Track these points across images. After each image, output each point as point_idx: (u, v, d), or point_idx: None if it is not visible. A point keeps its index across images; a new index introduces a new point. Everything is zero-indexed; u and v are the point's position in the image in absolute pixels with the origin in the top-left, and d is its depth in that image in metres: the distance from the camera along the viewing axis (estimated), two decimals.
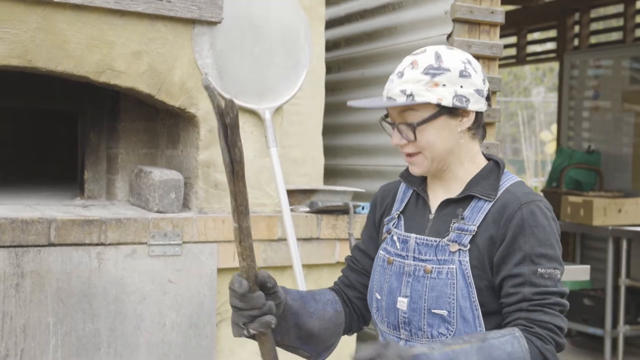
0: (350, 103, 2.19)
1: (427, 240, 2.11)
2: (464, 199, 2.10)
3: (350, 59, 5.09)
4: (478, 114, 2.09)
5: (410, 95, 2.04)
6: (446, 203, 2.13)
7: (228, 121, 1.83)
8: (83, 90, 4.05)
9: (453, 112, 2.05)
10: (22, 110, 5.24)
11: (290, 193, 4.00)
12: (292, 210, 3.91)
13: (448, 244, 2.06)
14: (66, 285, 3.40)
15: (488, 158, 2.17)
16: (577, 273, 5.09)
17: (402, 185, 2.28)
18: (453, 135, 2.07)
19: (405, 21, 4.58)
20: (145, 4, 3.53)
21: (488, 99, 2.11)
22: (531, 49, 10.45)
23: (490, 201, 2.05)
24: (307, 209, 4.01)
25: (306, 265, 3.91)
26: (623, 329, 6.80)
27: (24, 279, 3.33)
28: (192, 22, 3.71)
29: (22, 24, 3.37)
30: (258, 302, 1.88)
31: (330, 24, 5.17)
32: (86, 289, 3.44)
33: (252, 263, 1.88)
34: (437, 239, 2.09)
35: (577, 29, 8.80)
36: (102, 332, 3.48)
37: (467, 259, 2.03)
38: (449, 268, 2.04)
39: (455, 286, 2.02)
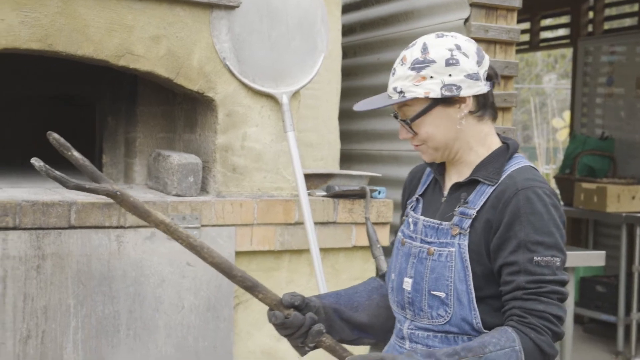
0: (355, 107, 2.22)
1: (432, 223, 2.14)
2: (471, 183, 2.11)
3: (366, 44, 5.10)
4: (479, 97, 2.08)
5: (401, 92, 2.07)
6: (455, 187, 2.15)
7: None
8: (101, 74, 4.07)
9: (447, 101, 2.06)
10: (40, 96, 5.26)
11: (307, 177, 4.01)
12: (309, 194, 3.93)
13: (450, 227, 2.08)
14: (86, 267, 3.43)
15: (504, 140, 2.17)
16: (592, 259, 5.09)
17: (428, 169, 2.30)
18: (453, 123, 2.08)
19: (422, 6, 4.58)
20: None
21: (491, 78, 2.10)
22: (543, 35, 10.41)
23: (492, 185, 2.05)
24: (324, 193, 4.03)
25: (323, 249, 3.93)
26: (636, 315, 6.81)
27: (44, 261, 3.36)
28: (210, 6, 3.72)
29: (43, 8, 3.39)
30: (297, 322, 2.08)
31: (346, 8, 5.17)
32: (106, 271, 3.47)
33: (270, 295, 2.10)
34: (439, 222, 2.12)
35: (591, 14, 8.76)
36: (122, 314, 3.51)
37: (466, 242, 2.04)
38: (448, 251, 2.06)
39: (453, 269, 2.04)
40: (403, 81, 2.06)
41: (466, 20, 4.20)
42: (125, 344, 3.52)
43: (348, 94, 4.87)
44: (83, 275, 3.43)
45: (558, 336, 1.95)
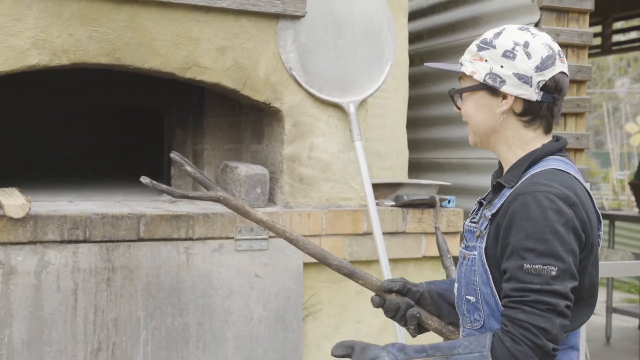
0: (426, 64, 2.29)
1: (468, 226, 2.12)
2: (499, 185, 2.07)
3: (434, 51, 5.03)
4: (527, 102, 1.99)
5: (460, 64, 2.09)
6: (493, 189, 2.12)
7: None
8: (169, 87, 4.09)
9: (493, 90, 2.01)
10: (110, 109, 5.33)
11: (376, 187, 3.96)
12: (377, 204, 3.88)
13: (476, 230, 2.05)
14: (155, 279, 3.44)
15: (545, 144, 2.06)
16: None
17: None
18: (493, 114, 2.03)
19: (490, 11, 4.49)
20: (229, 0, 3.54)
21: (549, 90, 1.99)
22: (615, 38, 10.15)
23: (510, 188, 1.99)
24: (393, 203, 3.97)
25: (392, 260, 3.87)
26: None
27: (114, 274, 3.37)
28: (276, 16, 3.71)
29: (111, 23, 3.42)
30: (393, 306, 2.20)
31: (412, 15, 5.11)
32: (175, 283, 3.47)
33: (370, 280, 2.24)
34: (472, 225, 2.09)
35: None
36: (191, 326, 3.51)
37: (484, 245, 1.99)
38: (473, 255, 2.02)
39: (476, 272, 2.00)
40: (466, 55, 2.08)
41: (536, 24, 4.10)
42: (194, 356, 3.51)
43: (415, 102, 4.81)
44: (152, 288, 3.43)
45: (542, 349, 1.81)
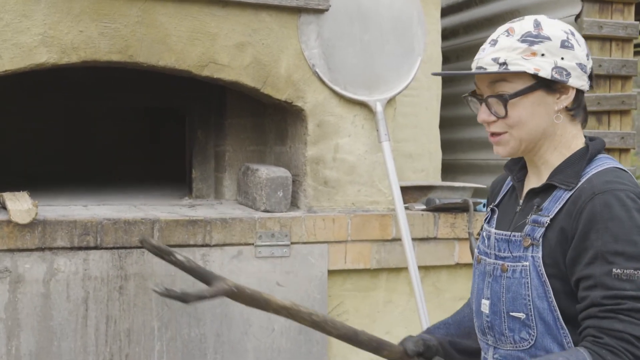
0: (435, 73, 1.96)
1: (504, 235, 1.89)
2: (547, 189, 1.85)
3: (470, 47, 4.80)
4: (579, 92, 1.85)
5: (504, 63, 1.80)
6: (531, 194, 1.89)
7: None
8: (190, 86, 3.93)
9: (551, 86, 1.81)
10: (133, 110, 5.20)
11: (405, 190, 3.75)
12: (406, 208, 3.67)
13: (522, 238, 1.83)
14: (171, 287, 3.26)
15: (587, 142, 1.90)
16: None
17: (509, 178, 2.04)
18: (549, 114, 1.83)
19: (529, 3, 4.27)
20: None
21: (591, 78, 1.88)
22: None
23: (569, 190, 1.79)
24: (423, 207, 3.76)
25: (423, 267, 3.67)
26: None
27: (127, 282, 3.22)
28: (298, 10, 3.52)
29: (123, 18, 3.26)
30: None
31: (447, 10, 4.90)
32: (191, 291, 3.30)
33: (395, 349, 2.03)
34: (510, 233, 1.87)
35: None
36: (208, 337, 3.33)
37: (540, 254, 1.78)
38: (522, 265, 1.81)
39: (529, 285, 1.79)
40: (509, 52, 1.80)
41: (577, 16, 3.87)
42: None
43: (450, 101, 4.59)
44: (168, 298, 3.26)
45: None
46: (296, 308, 1.97)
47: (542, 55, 1.79)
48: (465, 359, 2.08)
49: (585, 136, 1.91)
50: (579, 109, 1.87)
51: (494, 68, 1.80)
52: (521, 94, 1.80)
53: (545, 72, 1.79)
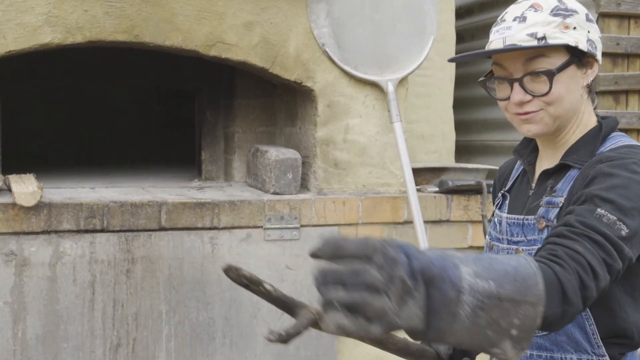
0: (452, 58, 1.87)
1: (516, 219, 1.81)
2: (561, 169, 1.77)
3: (486, 26, 4.69)
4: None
5: (543, 38, 1.71)
6: (544, 175, 1.81)
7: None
8: (199, 67, 3.88)
9: (582, 60, 1.74)
10: (147, 93, 5.15)
11: (417, 172, 3.68)
12: (419, 190, 3.60)
13: (536, 221, 1.74)
14: (178, 271, 3.23)
15: (600, 120, 1.83)
16: None
17: (518, 162, 1.97)
18: (578, 90, 1.76)
19: None
20: None
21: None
22: None
23: (581, 169, 1.71)
24: (436, 189, 3.68)
25: None
26: None
27: (134, 265, 3.18)
28: None
29: None
30: None
31: None
32: (199, 275, 3.26)
33: (425, 354, 1.89)
34: (523, 217, 1.78)
35: None
36: (217, 321, 3.29)
37: None
38: (538, 248, 1.67)
39: None
40: (544, 27, 1.72)
41: None
42: (221, 353, 3.30)
43: (464, 81, 4.50)
44: (175, 280, 3.22)
45: (588, 289, 1.47)
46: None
47: (574, 28, 1.73)
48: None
49: (597, 115, 1.84)
50: (593, 86, 1.82)
51: (533, 43, 1.71)
52: (563, 68, 1.72)
53: (583, 45, 1.73)
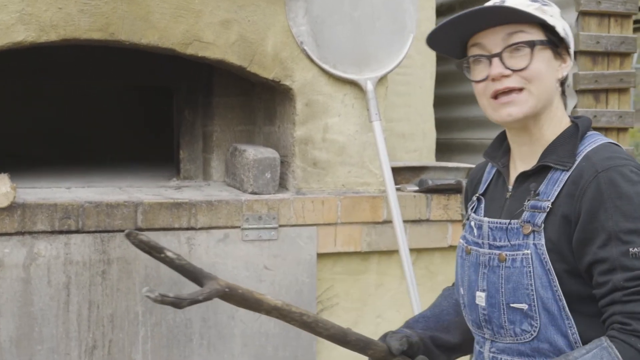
0: (429, 35, 1.81)
1: (499, 223, 1.79)
2: (540, 171, 1.75)
3: None
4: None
5: (516, 9, 1.71)
6: (522, 177, 1.79)
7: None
8: (177, 65, 3.84)
9: (557, 49, 1.75)
10: (115, 88, 5.10)
11: (397, 171, 3.66)
12: (398, 189, 3.58)
13: (521, 226, 1.73)
14: (155, 272, 3.19)
15: (573, 120, 1.82)
16: None
17: (489, 166, 1.95)
18: (554, 78, 1.76)
19: None
20: None
21: None
22: None
23: (566, 171, 1.70)
24: (416, 188, 3.66)
25: (415, 250, 3.58)
26: None
27: (110, 266, 3.14)
28: None
29: None
30: None
31: None
32: (176, 276, 3.14)
33: (379, 348, 1.93)
34: (508, 221, 1.77)
35: None
36: (194, 322, 3.26)
37: (542, 241, 1.68)
38: (523, 254, 1.71)
39: (532, 274, 1.69)
40: (526, 8, 1.71)
41: None
42: (198, 354, 3.27)
43: (445, 79, 4.49)
44: (152, 281, 3.19)
45: None
46: (287, 308, 1.88)
47: (551, 16, 1.74)
48: (444, 354, 1.99)
49: (569, 115, 1.84)
50: (564, 87, 1.82)
51: (528, 9, 1.71)
52: (543, 43, 1.72)
53: (560, 29, 1.74)
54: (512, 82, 1.71)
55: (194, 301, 1.76)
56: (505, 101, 1.72)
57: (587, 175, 1.65)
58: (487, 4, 1.75)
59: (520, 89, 1.71)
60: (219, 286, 1.79)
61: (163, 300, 1.68)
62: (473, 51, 1.76)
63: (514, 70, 1.71)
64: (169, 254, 1.75)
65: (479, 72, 1.76)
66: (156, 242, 1.76)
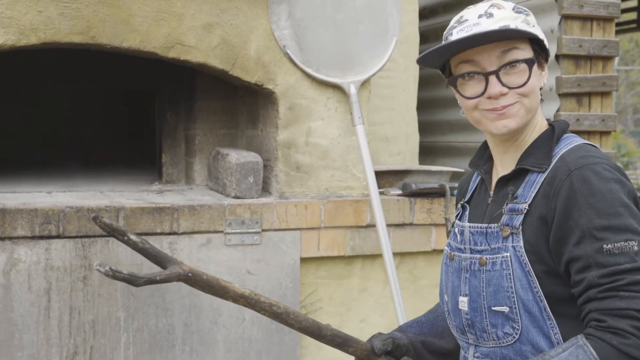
0: (421, 56, 1.81)
1: (479, 227, 1.81)
2: (519, 174, 1.77)
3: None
4: None
5: (516, 29, 1.72)
6: (502, 182, 1.81)
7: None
8: (159, 68, 3.81)
9: (540, 59, 1.77)
10: (97, 91, 5.07)
11: (380, 174, 3.65)
12: (382, 193, 3.57)
13: (500, 229, 1.74)
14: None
15: (551, 123, 1.85)
16: None
17: (475, 174, 1.97)
18: (538, 88, 1.79)
19: None
20: None
21: None
22: None
23: (542, 173, 1.72)
24: (399, 192, 3.65)
25: (398, 254, 3.58)
26: None
27: (91, 272, 3.11)
28: None
29: None
30: None
31: None
32: (161, 284, 3.19)
33: (361, 346, 1.93)
34: (487, 225, 1.78)
35: None
36: (177, 327, 3.23)
37: (521, 243, 1.70)
38: (502, 257, 1.72)
39: (512, 277, 1.70)
40: (514, 20, 1.73)
41: None
42: None
43: (428, 82, 4.48)
44: (133, 287, 3.15)
45: None
46: (255, 297, 1.86)
47: (533, 26, 1.76)
48: (436, 359, 1.99)
49: (547, 119, 1.86)
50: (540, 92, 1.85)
51: (526, 29, 1.73)
52: (536, 58, 1.75)
53: (546, 42, 1.77)
54: (508, 99, 1.73)
55: (150, 281, 1.77)
56: (500, 113, 1.74)
57: (561, 175, 1.67)
58: (474, 16, 1.74)
59: (515, 102, 1.74)
60: (182, 270, 1.80)
61: (115, 275, 1.68)
62: (464, 67, 1.75)
63: (511, 88, 1.73)
64: (132, 237, 1.77)
65: (470, 88, 1.75)
66: (120, 225, 1.77)
